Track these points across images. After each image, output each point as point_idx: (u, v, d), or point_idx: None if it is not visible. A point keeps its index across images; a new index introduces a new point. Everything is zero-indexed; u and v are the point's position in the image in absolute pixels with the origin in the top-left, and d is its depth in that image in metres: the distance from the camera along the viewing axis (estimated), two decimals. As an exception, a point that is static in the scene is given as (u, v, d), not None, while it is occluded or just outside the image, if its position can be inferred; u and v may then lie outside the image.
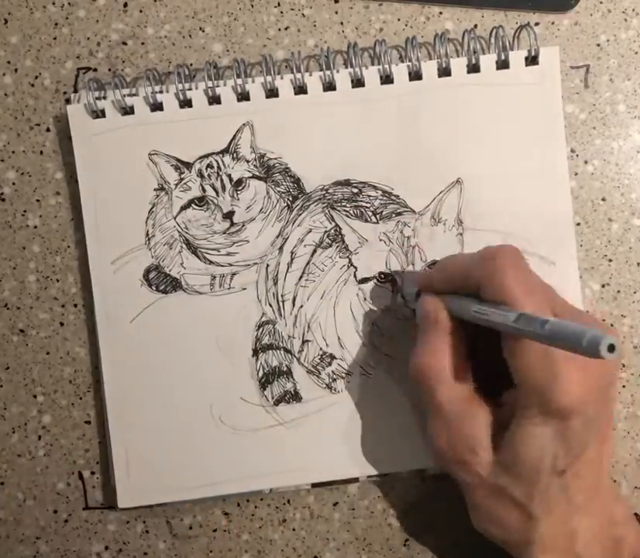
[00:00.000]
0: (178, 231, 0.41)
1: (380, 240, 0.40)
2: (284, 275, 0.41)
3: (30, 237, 0.42)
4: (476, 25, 0.42)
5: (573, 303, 0.39)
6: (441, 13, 0.42)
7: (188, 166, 0.41)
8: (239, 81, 0.40)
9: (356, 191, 0.41)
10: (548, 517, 0.32)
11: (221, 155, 0.41)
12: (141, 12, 0.42)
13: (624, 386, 0.41)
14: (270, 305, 0.41)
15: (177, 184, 0.41)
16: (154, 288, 0.41)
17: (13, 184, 0.42)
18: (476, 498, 0.34)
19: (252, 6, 0.42)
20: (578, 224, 0.42)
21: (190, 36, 0.42)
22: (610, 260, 0.42)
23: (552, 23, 0.42)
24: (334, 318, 0.41)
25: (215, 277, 0.41)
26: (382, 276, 0.40)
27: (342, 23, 0.42)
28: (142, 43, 0.42)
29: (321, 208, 0.41)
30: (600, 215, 0.42)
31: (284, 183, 0.41)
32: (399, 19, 0.42)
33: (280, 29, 0.42)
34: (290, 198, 0.41)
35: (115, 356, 0.41)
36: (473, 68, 0.40)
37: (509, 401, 0.33)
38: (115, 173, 0.41)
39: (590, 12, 0.42)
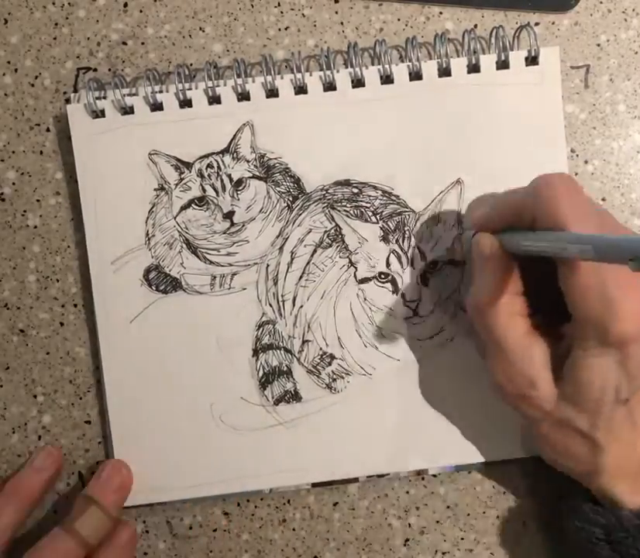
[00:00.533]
0: (178, 231, 0.41)
1: (380, 240, 0.40)
2: (284, 275, 0.41)
3: (30, 237, 0.42)
4: (476, 25, 0.42)
5: None
6: (441, 13, 0.42)
7: (188, 166, 0.41)
8: (239, 81, 0.40)
9: (356, 191, 0.41)
10: (615, 445, 0.33)
11: (221, 155, 0.41)
12: (141, 12, 0.42)
13: (624, 386, 0.41)
14: (270, 305, 0.41)
15: (177, 184, 0.41)
16: (154, 288, 0.41)
17: (13, 184, 0.42)
18: (542, 431, 0.34)
19: (252, 6, 0.42)
20: (578, 224, 0.42)
21: (190, 36, 0.42)
22: (610, 260, 0.42)
23: (552, 23, 0.42)
24: (334, 318, 0.41)
25: (215, 277, 0.41)
26: (382, 276, 0.40)
27: (342, 23, 0.42)
28: (142, 43, 0.42)
29: (322, 208, 0.41)
30: (600, 215, 0.42)
31: (284, 183, 0.41)
32: (399, 19, 0.42)
33: (280, 29, 0.42)
34: (291, 198, 0.41)
35: (116, 356, 0.41)
36: (473, 68, 0.40)
37: (568, 334, 0.34)
38: (114, 173, 0.41)
39: (590, 12, 0.42)
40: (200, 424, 0.40)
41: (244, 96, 0.40)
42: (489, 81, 0.40)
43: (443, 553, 0.42)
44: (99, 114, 0.41)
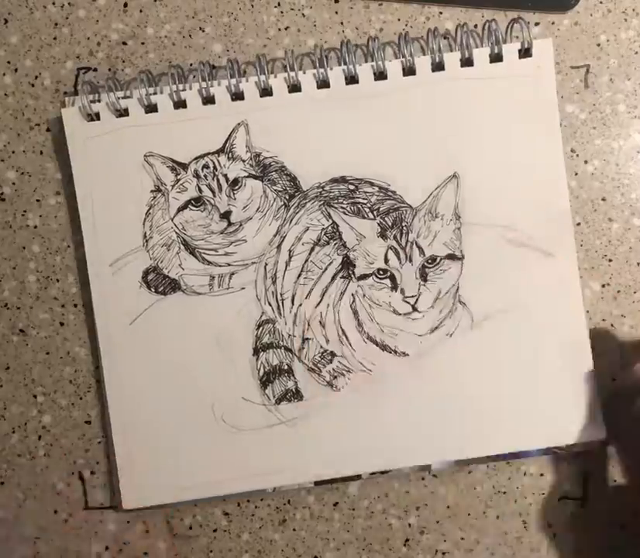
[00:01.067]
0: (176, 232, 0.41)
1: (378, 237, 0.40)
2: (283, 273, 0.41)
3: (30, 237, 0.42)
4: (476, 25, 0.42)
5: (573, 295, 0.40)
6: (441, 13, 0.42)
7: (184, 167, 0.41)
8: (233, 81, 0.40)
9: (352, 187, 0.41)
10: None
11: (216, 155, 0.41)
12: (141, 11, 0.42)
13: (624, 386, 0.42)
14: (270, 304, 0.41)
15: (173, 186, 0.41)
16: (153, 290, 0.41)
17: (13, 184, 0.42)
18: None
19: (252, 6, 0.42)
20: (578, 224, 0.42)
21: (190, 36, 0.42)
22: (610, 260, 0.42)
23: (552, 23, 0.42)
24: (333, 315, 0.41)
25: (213, 278, 0.41)
26: (380, 272, 0.40)
27: (342, 23, 0.42)
28: (142, 43, 0.42)
29: (318, 206, 0.41)
30: (600, 215, 0.42)
31: (280, 181, 0.41)
32: (399, 19, 0.42)
33: (280, 29, 0.42)
34: (287, 197, 0.41)
35: (116, 358, 0.41)
36: (467, 62, 0.40)
37: None
38: (111, 176, 0.41)
39: (590, 12, 0.42)
40: (202, 424, 0.40)
41: (238, 96, 0.40)
42: (483, 75, 0.40)
43: (443, 553, 0.42)
44: (94, 117, 0.41)
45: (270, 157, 0.41)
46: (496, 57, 0.40)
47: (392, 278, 0.40)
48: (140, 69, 0.42)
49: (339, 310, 0.41)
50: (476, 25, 0.42)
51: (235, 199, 0.41)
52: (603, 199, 0.42)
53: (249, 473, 0.40)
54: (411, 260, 0.40)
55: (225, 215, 0.41)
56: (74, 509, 0.42)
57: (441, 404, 0.40)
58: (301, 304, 0.41)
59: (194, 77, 0.42)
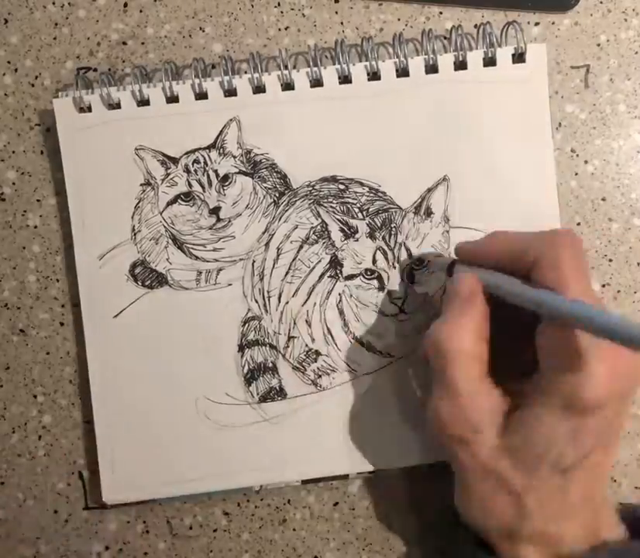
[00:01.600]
0: (164, 226, 0.41)
1: (367, 237, 0.40)
2: (270, 271, 0.41)
3: (30, 237, 0.42)
4: (476, 25, 0.42)
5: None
6: (441, 13, 0.42)
7: (175, 161, 0.41)
8: (226, 77, 0.40)
9: (342, 187, 0.41)
10: (541, 511, 0.32)
11: (207, 150, 0.41)
12: (141, 11, 0.42)
13: (624, 386, 0.41)
14: (256, 301, 0.41)
15: (163, 180, 0.41)
16: (140, 283, 0.41)
17: (13, 184, 0.42)
18: (469, 480, 0.33)
19: (253, 6, 0.42)
20: (578, 224, 0.42)
21: (190, 35, 0.42)
22: (610, 260, 0.42)
23: (552, 23, 0.42)
24: (320, 314, 0.41)
25: (200, 273, 0.41)
26: (368, 272, 0.40)
27: (342, 23, 0.42)
28: (142, 43, 0.42)
29: (308, 205, 0.41)
30: (600, 215, 0.42)
31: (271, 179, 0.41)
32: (399, 19, 0.42)
33: (280, 29, 0.42)
34: (277, 194, 0.41)
35: (101, 351, 0.41)
36: (461, 65, 0.40)
37: (519, 389, 0.33)
38: (101, 168, 0.41)
39: (590, 12, 0.42)
40: (185, 420, 0.40)
41: (231, 92, 0.40)
42: (476, 79, 0.40)
43: (443, 553, 0.42)
44: (86, 109, 0.41)
45: (261, 154, 0.41)
46: (489, 61, 0.40)
47: (379, 279, 0.40)
48: (136, 64, 0.42)
49: (326, 309, 0.41)
50: (475, 26, 0.42)
51: (224, 195, 0.41)
52: (603, 199, 0.42)
53: (232, 470, 0.40)
54: (398, 262, 0.40)
55: (215, 211, 0.41)
56: (74, 509, 0.42)
57: None
58: (287, 302, 0.41)
59: (182, 73, 0.42)
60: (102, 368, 0.41)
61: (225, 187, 0.41)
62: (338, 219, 0.40)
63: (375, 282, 0.40)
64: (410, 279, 0.40)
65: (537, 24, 0.42)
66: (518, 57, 0.40)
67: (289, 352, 0.41)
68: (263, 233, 0.41)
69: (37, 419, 0.42)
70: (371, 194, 0.40)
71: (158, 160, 0.41)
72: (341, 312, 0.41)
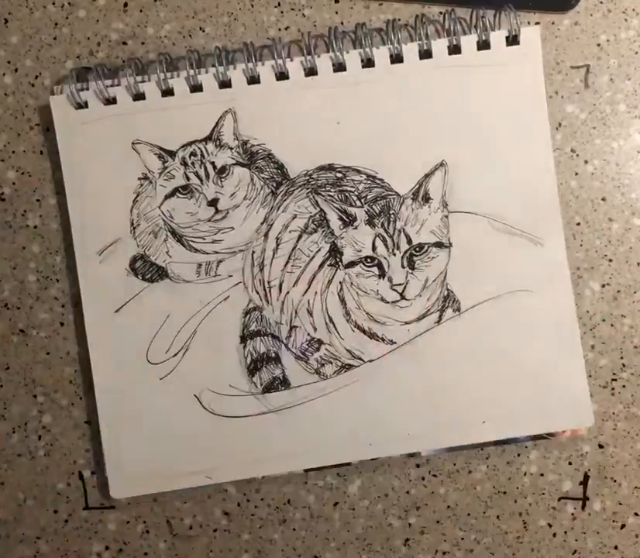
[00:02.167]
0: (163, 219, 0.41)
1: (366, 224, 0.40)
2: (270, 261, 0.41)
3: (30, 237, 0.42)
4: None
5: (562, 282, 0.40)
6: (441, 13, 0.42)
7: (171, 154, 0.41)
8: (221, 69, 0.40)
9: (340, 175, 0.41)
10: None
11: (204, 143, 0.41)
12: (141, 11, 0.42)
13: (624, 386, 0.41)
14: (257, 292, 0.41)
15: (160, 173, 0.41)
16: (140, 277, 0.41)
17: (13, 184, 0.42)
18: None
19: (253, 6, 0.42)
20: (578, 224, 0.42)
21: (190, 36, 0.42)
22: (610, 260, 0.42)
23: (552, 23, 0.42)
24: (321, 303, 0.41)
25: (200, 265, 0.41)
26: (368, 260, 0.40)
27: (342, 23, 0.42)
28: (142, 43, 0.42)
29: (306, 194, 0.41)
30: (600, 215, 0.42)
31: (268, 169, 0.41)
32: (399, 19, 0.42)
33: (280, 29, 0.42)
34: (274, 184, 0.41)
35: (103, 345, 0.41)
36: (454, 50, 0.40)
37: None
38: (98, 163, 0.41)
39: (590, 12, 0.42)
40: (189, 412, 0.40)
41: (225, 83, 0.40)
42: (470, 63, 0.40)
43: (443, 553, 0.42)
44: (82, 105, 0.41)
45: (258, 145, 0.41)
46: (483, 45, 0.40)
47: (380, 266, 0.40)
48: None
49: (327, 298, 0.41)
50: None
51: (222, 187, 0.41)
52: (603, 199, 0.42)
53: (237, 461, 0.40)
54: (398, 248, 0.40)
55: (213, 203, 0.41)
56: (74, 509, 0.42)
57: (429, 392, 0.40)
58: (288, 292, 0.41)
59: (177, 65, 0.41)
60: (105, 363, 0.41)
61: (222, 179, 0.41)
62: (336, 208, 0.40)
63: (375, 269, 0.40)
64: (410, 265, 0.40)
65: (537, 24, 0.42)
66: (512, 40, 0.40)
67: (291, 341, 0.41)
68: (262, 224, 0.41)
69: (37, 419, 0.42)
70: (369, 182, 0.40)
71: (155, 154, 0.41)
72: (342, 301, 0.41)
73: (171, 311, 0.41)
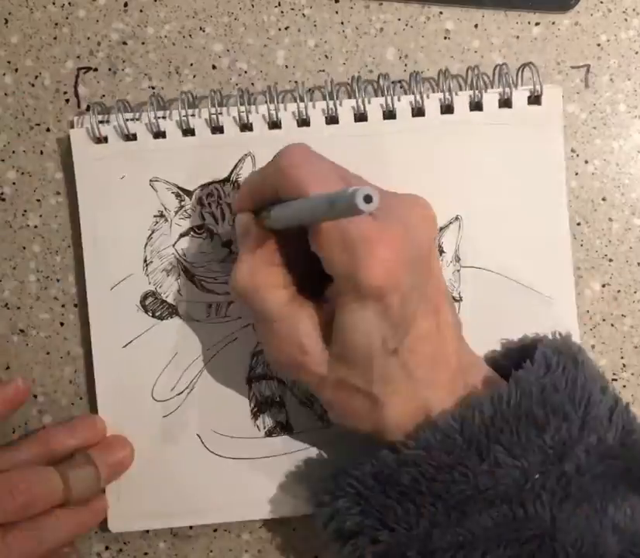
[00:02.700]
0: (176, 258, 0.41)
1: None
2: None
3: (30, 237, 0.42)
4: (476, 25, 0.42)
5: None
6: (441, 13, 0.42)
7: (189, 193, 0.41)
8: (242, 109, 0.40)
9: None
10: (394, 397, 0.33)
11: (222, 184, 0.41)
12: (141, 11, 0.42)
13: (624, 386, 0.41)
14: None
15: (176, 211, 0.41)
16: (151, 314, 0.41)
17: (13, 183, 0.42)
18: (325, 396, 0.34)
19: (253, 6, 0.42)
20: (578, 224, 0.42)
21: (190, 35, 0.42)
22: (611, 260, 0.42)
23: (552, 23, 0.42)
24: None
25: (211, 305, 0.41)
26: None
27: (342, 23, 0.42)
28: (143, 43, 0.42)
29: None
30: (600, 215, 0.42)
31: None
32: (399, 19, 0.42)
33: (280, 29, 0.42)
34: None
35: (109, 379, 0.40)
36: (476, 106, 0.40)
37: (331, 296, 0.34)
38: (115, 199, 0.40)
39: (590, 12, 0.42)
40: (189, 452, 0.40)
41: (247, 127, 0.40)
42: (491, 120, 0.40)
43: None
44: (102, 139, 0.40)
45: None
46: (505, 103, 0.40)
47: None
48: (143, 68, 0.42)
49: None
50: (476, 26, 0.42)
51: None
52: (604, 199, 0.42)
53: (235, 502, 0.40)
54: None
55: (227, 244, 0.41)
56: (74, 509, 0.42)
57: None
58: None
59: (199, 102, 0.41)
60: (110, 397, 0.40)
61: None
62: None
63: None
64: None
65: (537, 24, 0.42)
66: (534, 99, 0.40)
67: (297, 387, 0.41)
68: None
69: (37, 419, 0.42)
70: None
71: (172, 192, 0.41)
72: None
73: (179, 349, 0.40)
